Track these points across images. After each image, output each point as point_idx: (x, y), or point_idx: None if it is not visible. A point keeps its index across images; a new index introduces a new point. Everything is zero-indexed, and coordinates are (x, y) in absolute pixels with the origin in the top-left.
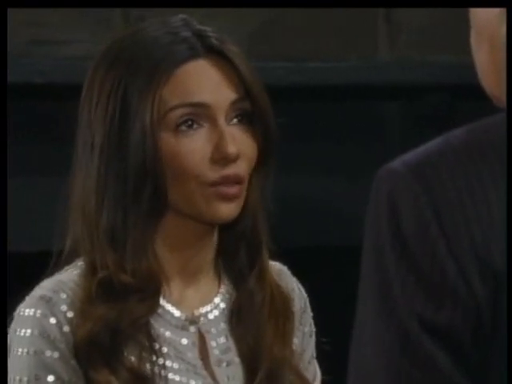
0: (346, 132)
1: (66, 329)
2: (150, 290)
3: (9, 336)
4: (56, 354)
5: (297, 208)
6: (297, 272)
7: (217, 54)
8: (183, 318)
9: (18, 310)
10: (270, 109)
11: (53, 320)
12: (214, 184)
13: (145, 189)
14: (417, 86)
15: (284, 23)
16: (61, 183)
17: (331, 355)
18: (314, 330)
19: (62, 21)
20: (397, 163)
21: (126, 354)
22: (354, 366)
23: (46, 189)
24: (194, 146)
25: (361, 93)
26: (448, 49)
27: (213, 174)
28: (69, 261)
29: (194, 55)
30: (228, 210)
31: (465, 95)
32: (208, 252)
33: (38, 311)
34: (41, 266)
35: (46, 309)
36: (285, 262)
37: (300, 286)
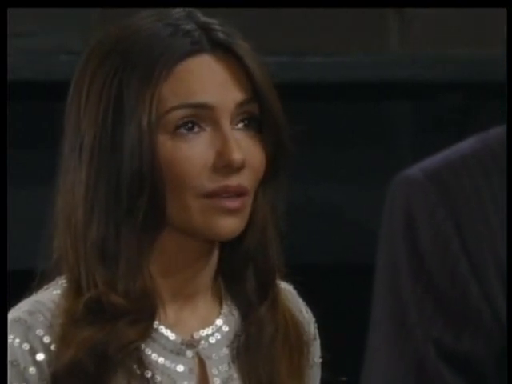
0: (350, 135)
1: (40, 357)
2: (143, 313)
3: None
4: None
5: (297, 218)
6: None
7: (224, 50)
8: (179, 341)
9: None
10: (282, 114)
11: (26, 346)
12: (211, 195)
13: (140, 199)
14: (431, 84)
15: (278, 13)
16: (25, 191)
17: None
18: (319, 355)
19: (26, 10)
20: (414, 170)
21: (113, 383)
22: None
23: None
24: (193, 152)
25: (367, 92)
26: (466, 43)
27: (211, 183)
28: (50, 279)
29: (197, 50)
30: (229, 225)
31: (484, 94)
32: (207, 272)
33: (11, 336)
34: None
35: (21, 333)
36: (290, 282)
37: (307, 308)
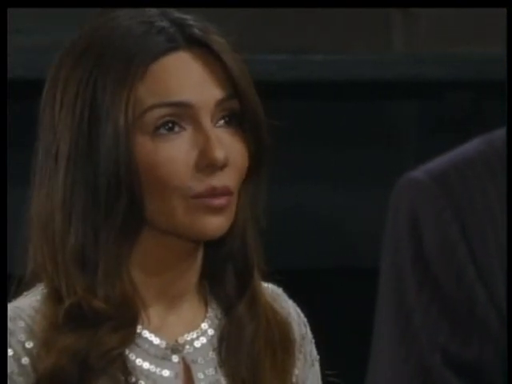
0: (352, 137)
1: (25, 361)
2: (125, 319)
3: None
4: None
5: (292, 223)
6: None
7: (200, 46)
8: (163, 346)
9: None
10: (261, 109)
11: (9, 352)
12: (198, 196)
13: (118, 202)
14: (436, 83)
15: (279, 11)
16: (25, 191)
17: None
18: (317, 357)
19: (26, 8)
20: (419, 172)
21: None
22: None
23: None
24: (176, 153)
25: (370, 91)
26: (472, 40)
27: (197, 184)
28: (29, 286)
29: (172, 47)
30: (216, 224)
31: (492, 93)
32: (192, 274)
33: None
34: None
35: None
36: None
37: (298, 309)
